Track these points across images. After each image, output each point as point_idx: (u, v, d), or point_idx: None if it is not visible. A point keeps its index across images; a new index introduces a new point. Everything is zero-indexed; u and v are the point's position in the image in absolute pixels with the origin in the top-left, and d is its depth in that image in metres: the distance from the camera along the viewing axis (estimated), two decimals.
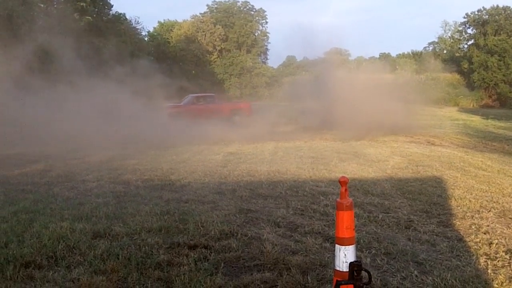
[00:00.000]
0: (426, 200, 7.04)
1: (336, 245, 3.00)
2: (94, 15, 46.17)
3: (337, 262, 2.96)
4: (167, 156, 12.22)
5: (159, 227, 5.66)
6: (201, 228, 5.61)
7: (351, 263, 2.81)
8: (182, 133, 18.30)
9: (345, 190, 2.95)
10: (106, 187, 8.16)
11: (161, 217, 6.08)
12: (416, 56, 65.88)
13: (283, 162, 11.09)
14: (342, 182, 2.96)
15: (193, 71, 75.47)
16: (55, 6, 42.49)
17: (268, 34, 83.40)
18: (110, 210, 6.43)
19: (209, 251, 4.91)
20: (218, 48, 78.82)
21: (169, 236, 5.38)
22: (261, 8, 79.73)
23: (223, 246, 5.05)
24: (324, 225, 5.78)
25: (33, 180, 8.89)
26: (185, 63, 74.09)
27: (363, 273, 2.83)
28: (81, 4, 41.71)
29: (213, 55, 78.97)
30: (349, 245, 2.92)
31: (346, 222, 2.92)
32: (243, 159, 11.72)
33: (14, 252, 4.83)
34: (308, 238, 5.26)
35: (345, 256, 2.91)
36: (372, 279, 3.47)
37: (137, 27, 68.41)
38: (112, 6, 56.27)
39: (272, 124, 23.33)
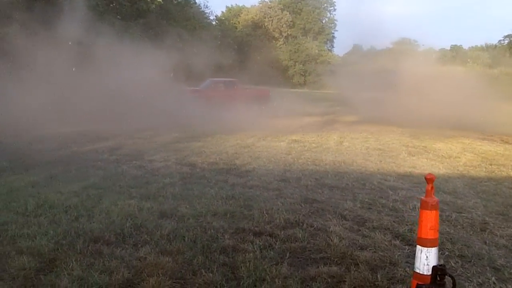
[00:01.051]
0: (502, 202, 6.65)
1: (418, 246, 2.83)
2: None
3: (417, 264, 2.78)
4: (231, 140, 12.22)
5: (224, 211, 5.63)
6: (266, 215, 5.53)
7: (434, 267, 2.64)
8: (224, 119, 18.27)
9: (431, 188, 2.77)
10: (172, 167, 8.24)
11: (226, 201, 6.06)
12: (489, 49, 63.09)
13: (349, 152, 10.84)
14: (429, 179, 2.78)
15: (258, 57, 75.58)
16: None
17: (335, 22, 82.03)
18: (176, 191, 6.47)
19: (274, 240, 4.82)
20: (284, 34, 78.41)
21: (234, 221, 5.34)
22: None
23: (288, 235, 4.95)
24: (394, 221, 5.57)
25: (103, 157, 9.11)
26: (251, 48, 74.27)
27: (447, 278, 2.65)
28: None
29: (279, 41, 78.64)
30: (432, 247, 2.75)
31: (430, 222, 2.74)
32: (308, 147, 11.56)
33: (84, 226, 4.94)
34: (377, 233, 5.07)
35: (427, 259, 2.73)
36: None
37: (205, 12, 69.15)
38: None
39: (335, 113, 23.04)
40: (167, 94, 20.83)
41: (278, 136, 13.78)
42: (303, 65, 76.83)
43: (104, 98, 18.31)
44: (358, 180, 7.74)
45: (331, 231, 5.10)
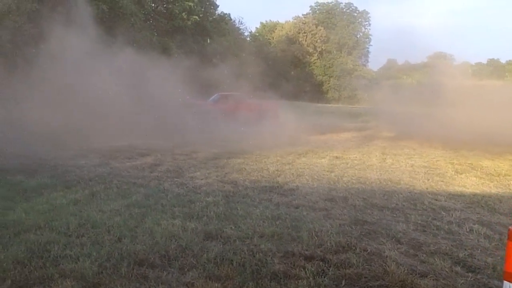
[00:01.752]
0: None
1: (505, 282, 2.52)
2: (201, 15, 47.24)
3: None
4: (271, 157, 11.98)
5: (271, 232, 5.38)
6: (316, 238, 5.26)
7: None
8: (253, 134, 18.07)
9: None
10: (214, 185, 8.04)
11: (272, 222, 5.81)
12: None
13: (394, 170, 10.48)
14: None
15: (292, 72, 75.51)
16: (164, 6, 44.02)
17: (370, 36, 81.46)
18: (220, 210, 6.26)
19: (326, 265, 4.55)
20: (319, 49, 78.18)
21: (282, 244, 5.09)
22: (364, 10, 78.00)
23: (341, 260, 4.67)
24: (452, 245, 5.22)
25: (144, 174, 8.99)
26: (285, 63, 74.31)
27: None
28: (189, 4, 42.79)
29: (313, 56, 78.48)
30: None
31: None
32: (350, 164, 11.23)
33: (128, 248, 4.76)
34: (436, 259, 4.74)
35: None
36: None
37: (240, 27, 69.63)
38: (218, 6, 57.61)
39: (373, 128, 22.64)
40: (180, 108, 21.19)
41: (318, 152, 13.48)
42: (337, 80, 76.42)
43: (138, 113, 18.46)
44: (408, 199, 7.38)
45: (387, 256, 4.80)
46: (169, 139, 15.41)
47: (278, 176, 9.16)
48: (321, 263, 4.61)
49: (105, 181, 8.13)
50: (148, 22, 39.22)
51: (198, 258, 4.59)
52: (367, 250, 4.97)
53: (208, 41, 46.11)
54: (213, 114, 21.94)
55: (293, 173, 9.58)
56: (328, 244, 5.07)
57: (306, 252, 4.84)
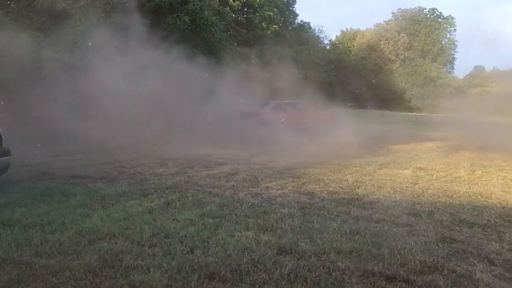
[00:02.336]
0: None
1: None
2: (280, 24, 47.38)
3: None
4: (350, 167, 11.58)
5: (349, 249, 5.05)
6: (398, 256, 4.87)
7: None
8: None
9: None
10: (290, 196, 7.79)
11: (351, 237, 5.47)
12: None
13: (484, 183, 9.76)
14: None
15: (373, 80, 74.04)
16: (244, 16, 44.59)
17: (456, 43, 78.31)
18: (295, 223, 5.99)
19: (410, 287, 4.17)
20: (401, 56, 76.28)
21: (361, 261, 4.74)
22: (450, 15, 75.10)
23: (427, 282, 4.27)
24: None
25: (219, 183, 8.89)
26: (366, 72, 73.04)
27: None
28: (269, 13, 43.01)
29: (395, 64, 76.68)
30: None
31: None
32: (436, 176, 10.60)
33: (199, 260, 4.61)
34: None
35: None
36: None
37: (320, 36, 69.31)
38: (297, 15, 57.71)
39: (459, 139, 21.56)
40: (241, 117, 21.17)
41: (400, 163, 12.92)
42: (420, 88, 74.12)
43: (210, 123, 18.77)
44: (501, 216, 6.77)
45: (478, 279, 4.34)
46: (245, 148, 15.36)
47: (358, 188, 8.76)
48: (404, 284, 4.23)
49: (181, 190, 8.11)
50: (228, 32, 39.73)
51: (270, 273, 4.35)
52: (456, 272, 4.52)
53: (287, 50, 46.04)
54: (273, 123, 21.29)
55: (373, 185, 9.14)
56: (412, 264, 4.67)
57: (388, 272, 4.47)
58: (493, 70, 73.00)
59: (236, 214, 6.43)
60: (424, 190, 8.78)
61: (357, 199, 7.71)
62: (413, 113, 60.27)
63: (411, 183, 9.52)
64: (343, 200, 7.60)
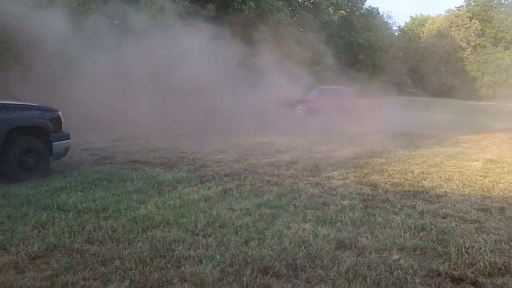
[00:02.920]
0: None
1: None
2: (348, 10, 46.40)
3: None
4: (416, 158, 11.07)
5: (413, 246, 4.72)
6: (466, 256, 4.50)
7: None
8: None
9: None
10: (352, 187, 7.47)
11: (415, 233, 5.13)
12: None
13: None
14: None
15: (443, 68, 71.51)
16: (311, 1, 43.90)
17: None
18: (356, 216, 5.70)
19: None
20: (473, 44, 73.18)
21: (426, 260, 4.42)
22: None
23: (497, 285, 3.93)
24: None
25: (279, 172, 8.68)
26: (435, 59, 70.67)
27: None
28: None
29: (466, 51, 73.73)
30: None
31: None
32: (507, 169, 9.93)
33: (254, 252, 4.43)
34: None
35: None
36: None
37: (388, 22, 67.54)
38: (365, 0, 56.38)
39: None
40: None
41: (469, 154, 12.23)
42: (492, 76, 70.98)
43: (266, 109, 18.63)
44: None
45: None
46: (306, 136, 15.03)
47: (424, 180, 8.31)
48: (471, 287, 3.90)
49: (240, 177, 7.97)
50: (294, 18, 39.24)
51: (327, 270, 4.12)
52: None
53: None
54: (310, 111, 20.57)
55: (440, 177, 8.65)
56: (481, 264, 4.30)
57: (454, 273, 4.13)
58: None
59: (294, 204, 6.21)
60: (495, 184, 8.21)
61: (423, 192, 7.30)
62: (483, 102, 57.69)
63: (480, 176, 8.95)
64: (408, 192, 7.21)
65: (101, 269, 4.03)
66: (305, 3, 43.23)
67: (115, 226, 5.10)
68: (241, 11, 27.31)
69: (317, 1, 42.92)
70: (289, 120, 18.83)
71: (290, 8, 37.04)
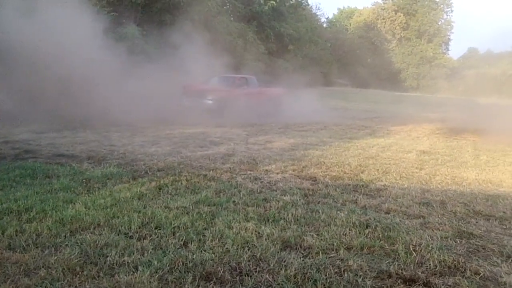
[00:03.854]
0: None
1: None
2: (278, 0, 46.46)
3: None
4: (352, 149, 11.09)
5: (360, 244, 4.55)
6: (414, 254, 4.38)
7: None
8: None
9: None
10: (292, 181, 7.26)
11: (361, 231, 4.96)
12: None
13: (491, 169, 9.30)
14: None
15: (369, 59, 73.45)
16: None
17: (452, 23, 77.83)
18: (299, 213, 5.47)
19: None
20: (398, 36, 75.78)
21: (375, 260, 4.26)
22: None
23: (449, 286, 3.81)
24: None
25: (216, 165, 8.32)
26: (362, 50, 72.46)
27: None
28: None
29: (391, 43, 76.24)
30: None
31: None
32: (441, 160, 10.13)
33: (194, 256, 4.09)
34: None
35: None
36: None
37: (317, 14, 68.48)
38: None
39: (458, 120, 21.15)
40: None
41: (402, 145, 12.43)
42: (416, 68, 73.84)
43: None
44: None
45: (505, 283, 3.88)
46: (241, 126, 14.79)
47: (362, 173, 8.25)
48: None
49: (175, 172, 7.54)
50: (225, 7, 38.86)
51: (275, 274, 3.85)
52: (479, 274, 4.05)
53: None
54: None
55: (378, 169, 8.64)
56: (431, 263, 4.19)
57: (405, 273, 3.98)
58: (487, 52, 72.89)
59: (234, 201, 5.90)
60: (431, 176, 8.29)
61: (362, 185, 7.21)
62: (408, 93, 59.85)
63: (416, 168, 9.04)
64: (348, 186, 7.09)
65: (24, 280, 3.57)
66: None
67: (39, 229, 4.60)
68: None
69: None
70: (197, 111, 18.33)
71: None
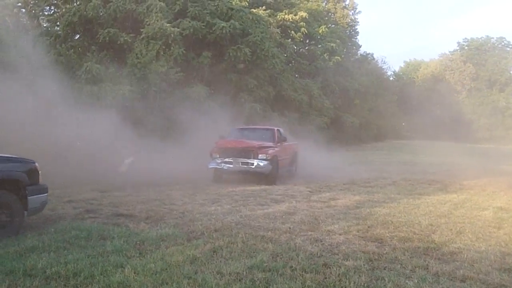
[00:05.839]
0: None
1: None
2: (343, 55, 46.50)
3: None
4: (422, 207, 10.40)
5: None
6: None
7: None
8: None
9: None
10: (355, 243, 6.74)
11: None
12: None
13: None
14: None
15: (438, 111, 71.57)
16: (306, 48, 44.09)
17: None
18: (362, 281, 4.96)
19: None
20: (467, 87, 73.76)
21: None
22: None
23: None
24: None
25: (275, 225, 7.92)
26: (430, 102, 70.89)
27: None
28: (332, 45, 42.30)
29: (461, 94, 74.27)
30: None
31: None
32: None
33: None
34: None
35: None
36: None
37: (383, 67, 68.09)
38: (360, 46, 56.97)
39: None
40: None
41: (477, 202, 11.57)
42: (488, 119, 71.20)
43: None
44: None
45: None
46: (304, 182, 14.38)
47: (433, 233, 7.60)
48: None
49: (231, 233, 7.20)
50: (290, 64, 39.21)
51: None
52: None
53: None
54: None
55: (451, 229, 7.95)
56: None
57: None
58: None
59: (291, 266, 5.47)
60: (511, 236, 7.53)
61: (434, 248, 6.58)
62: (481, 145, 57.51)
63: (494, 228, 8.28)
64: (417, 249, 6.50)
65: None
66: (300, 49, 43.41)
67: None
68: (236, 58, 27.12)
69: (312, 47, 43.13)
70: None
71: (285, 55, 37.04)
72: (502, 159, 31.67)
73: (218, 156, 15.17)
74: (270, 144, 15.77)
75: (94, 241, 6.54)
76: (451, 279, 5.18)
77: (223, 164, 14.89)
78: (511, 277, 5.32)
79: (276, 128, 17.48)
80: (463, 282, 5.10)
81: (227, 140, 15.94)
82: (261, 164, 14.74)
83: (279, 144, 16.22)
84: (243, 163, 14.83)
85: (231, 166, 14.84)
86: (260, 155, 14.88)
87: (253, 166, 14.77)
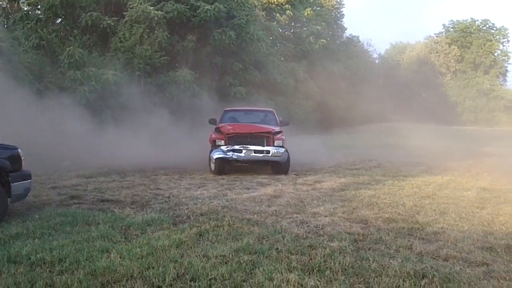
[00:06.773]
0: None
1: None
2: (328, 38, 46.45)
3: None
4: (406, 188, 10.51)
5: None
6: None
7: None
8: None
9: None
10: (340, 225, 6.78)
11: (416, 282, 4.46)
12: None
13: None
14: None
15: (423, 94, 71.92)
16: (292, 31, 44.03)
17: (509, 54, 75.28)
18: (347, 262, 5.00)
19: None
20: (452, 69, 74.02)
21: None
22: (502, 26, 72.37)
23: None
24: None
25: (261, 208, 7.94)
26: (416, 85, 71.14)
27: None
28: (317, 27, 42.27)
29: (446, 77, 74.53)
30: None
31: None
32: (504, 198, 9.42)
33: None
34: None
35: None
36: None
37: (368, 50, 68.10)
38: (346, 29, 56.86)
39: None
40: None
41: (461, 182, 11.72)
42: (473, 101, 71.62)
43: None
44: None
45: None
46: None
47: (417, 214, 7.69)
48: None
49: (217, 216, 7.21)
50: (275, 47, 39.09)
51: None
52: None
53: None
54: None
55: (435, 210, 8.05)
56: None
57: None
58: None
59: (277, 248, 5.49)
60: (494, 216, 7.65)
61: (418, 228, 6.66)
62: (466, 127, 57.98)
63: (477, 208, 8.39)
64: (402, 230, 6.57)
65: None
66: (286, 32, 43.30)
67: (69, 282, 4.35)
68: (221, 41, 26.92)
69: (298, 31, 43.03)
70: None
71: (270, 38, 36.89)
72: (486, 141, 32.01)
73: (223, 143, 13.12)
74: (278, 128, 14.05)
75: (79, 227, 6.49)
76: (434, 258, 5.25)
77: (231, 153, 12.79)
78: (493, 255, 5.40)
79: (270, 110, 16.28)
80: (446, 261, 5.16)
81: (233, 124, 14.09)
82: (280, 151, 13.01)
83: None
84: (256, 151, 12.88)
85: (241, 154, 12.81)
86: (276, 141, 13.24)
87: (269, 155, 12.92)
